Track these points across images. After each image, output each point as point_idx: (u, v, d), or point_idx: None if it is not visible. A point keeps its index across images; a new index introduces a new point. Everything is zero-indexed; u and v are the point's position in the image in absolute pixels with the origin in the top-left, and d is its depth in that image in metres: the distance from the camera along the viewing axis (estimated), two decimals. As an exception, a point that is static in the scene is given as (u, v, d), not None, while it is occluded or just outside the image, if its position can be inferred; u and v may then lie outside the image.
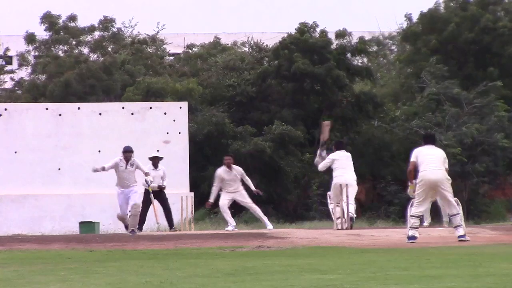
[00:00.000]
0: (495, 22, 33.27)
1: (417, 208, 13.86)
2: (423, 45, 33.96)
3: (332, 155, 18.18)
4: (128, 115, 25.08)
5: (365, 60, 34.97)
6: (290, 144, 29.77)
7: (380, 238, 14.86)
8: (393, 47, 43.62)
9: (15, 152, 24.56)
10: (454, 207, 13.92)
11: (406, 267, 9.27)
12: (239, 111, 31.47)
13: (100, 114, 25.09)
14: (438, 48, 33.66)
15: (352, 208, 17.98)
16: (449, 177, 14.16)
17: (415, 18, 35.35)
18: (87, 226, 21.20)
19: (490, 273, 8.54)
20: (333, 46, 32.68)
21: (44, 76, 36.04)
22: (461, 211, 14.09)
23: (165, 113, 25.12)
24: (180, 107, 25.55)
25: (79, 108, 25.40)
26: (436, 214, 19.72)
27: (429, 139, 14.60)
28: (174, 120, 25.09)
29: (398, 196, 29.02)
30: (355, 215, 18.10)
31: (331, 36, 32.95)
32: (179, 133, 25.01)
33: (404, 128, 30.53)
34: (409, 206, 14.04)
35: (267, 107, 31.73)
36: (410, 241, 13.65)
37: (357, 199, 30.03)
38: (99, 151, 24.58)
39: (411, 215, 13.85)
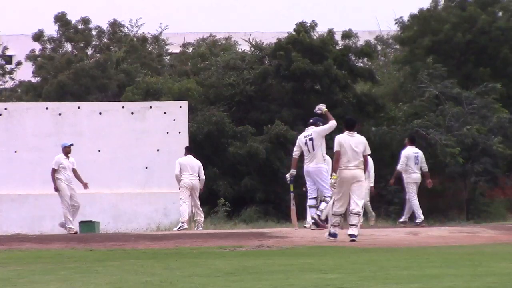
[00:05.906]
0: (491, 23, 33.21)
1: (337, 205, 13.90)
2: (419, 46, 33.90)
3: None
4: (128, 115, 25.06)
5: (365, 60, 34.87)
6: (288, 144, 29.74)
7: (380, 237, 14.86)
8: (396, 46, 43.52)
9: (15, 152, 24.54)
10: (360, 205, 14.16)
11: (406, 267, 9.27)
12: (239, 111, 31.41)
13: (100, 113, 25.07)
14: (435, 48, 33.61)
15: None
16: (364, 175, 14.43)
17: (410, 18, 35.12)
18: (87, 226, 21.19)
19: (490, 272, 8.55)
20: (338, 46, 32.64)
21: (39, 78, 35.98)
22: (362, 213, 14.38)
23: (165, 113, 25.10)
24: (180, 107, 25.53)
25: (79, 108, 25.38)
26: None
27: (350, 125, 14.57)
28: (174, 120, 25.07)
29: (398, 195, 28.96)
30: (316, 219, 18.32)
31: (337, 36, 32.86)
32: (179, 132, 25.00)
33: (405, 128, 30.45)
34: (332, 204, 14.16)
35: (267, 106, 31.68)
36: (332, 238, 13.81)
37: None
38: (99, 151, 24.58)
39: (333, 214, 13.99)
